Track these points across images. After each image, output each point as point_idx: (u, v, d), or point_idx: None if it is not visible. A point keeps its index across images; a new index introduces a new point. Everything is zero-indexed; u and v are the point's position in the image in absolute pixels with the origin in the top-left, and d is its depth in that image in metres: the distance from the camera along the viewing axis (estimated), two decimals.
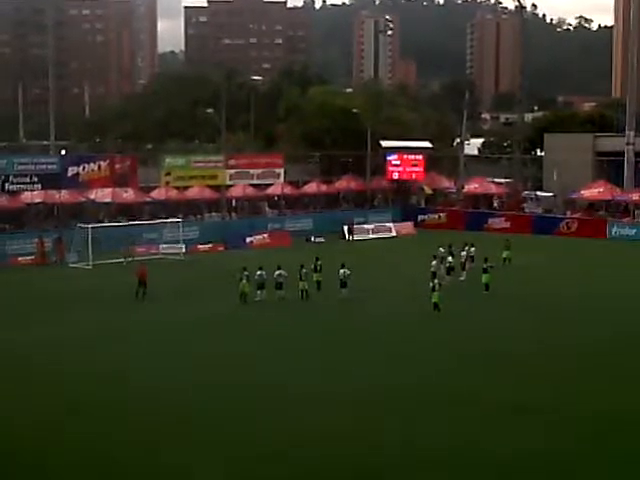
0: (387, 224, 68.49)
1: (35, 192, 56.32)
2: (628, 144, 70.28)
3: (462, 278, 44.16)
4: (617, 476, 19.12)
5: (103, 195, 59.85)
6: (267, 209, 68.64)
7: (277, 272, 38.83)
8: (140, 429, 21.89)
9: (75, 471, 19.32)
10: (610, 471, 19.29)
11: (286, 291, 38.71)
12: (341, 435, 21.26)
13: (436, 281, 37.55)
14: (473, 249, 46.84)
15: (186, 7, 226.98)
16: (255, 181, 67.44)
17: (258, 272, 38.88)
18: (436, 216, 72.24)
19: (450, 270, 43.19)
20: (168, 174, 62.23)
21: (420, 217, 72.11)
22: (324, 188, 72.63)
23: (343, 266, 39.50)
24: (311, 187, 72.03)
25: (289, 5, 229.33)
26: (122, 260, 50.42)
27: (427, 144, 76.35)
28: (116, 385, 25.67)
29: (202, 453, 20.14)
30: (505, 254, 49.09)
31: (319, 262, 41.23)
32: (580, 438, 21.23)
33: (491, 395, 24.57)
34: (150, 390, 25.10)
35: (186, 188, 64.44)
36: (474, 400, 24.04)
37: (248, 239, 59.90)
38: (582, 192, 68.78)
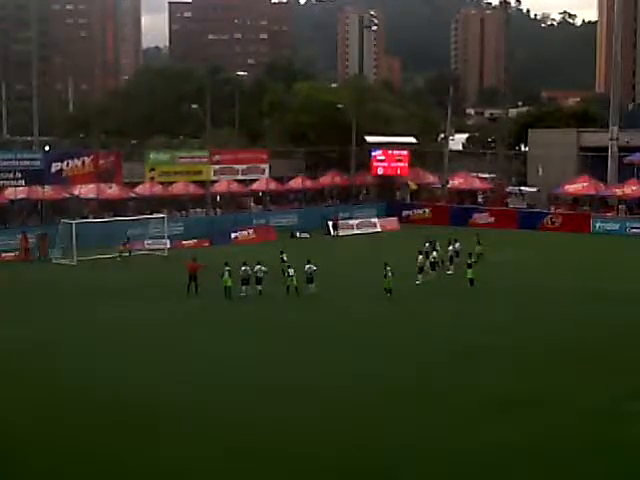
0: (372, 219, 68.64)
1: (19, 188, 56.07)
2: (612, 139, 70.55)
3: (450, 272, 44.32)
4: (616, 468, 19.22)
5: (87, 191, 59.64)
6: (252, 205, 68.57)
7: (257, 267, 39.01)
8: (139, 424, 21.87)
9: (73, 467, 19.30)
10: (609, 463, 19.38)
11: (272, 286, 38.72)
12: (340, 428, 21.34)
13: (388, 268, 38.13)
14: (458, 244, 46.95)
15: (170, 2, 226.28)
16: (240, 177, 67.40)
17: (242, 267, 38.95)
18: (421, 211, 72.38)
19: (434, 265, 43.31)
20: (152, 170, 62.10)
21: (405, 212, 72.23)
22: (309, 183, 72.64)
23: (309, 262, 39.70)
24: (296, 182, 72.02)
25: (274, 0, 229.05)
26: (117, 255, 50.56)
27: (412, 139, 76.43)
28: (112, 382, 25.51)
29: (201, 447, 20.14)
30: (477, 249, 47.17)
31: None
32: (579, 431, 21.33)
33: (487, 389, 24.65)
34: (148, 387, 25.08)
35: (171, 184, 64.30)
36: (471, 393, 24.13)
37: (233, 235, 59.83)
38: (566, 187, 69.05)
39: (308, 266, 39.48)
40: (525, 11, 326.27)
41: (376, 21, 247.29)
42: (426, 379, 25.79)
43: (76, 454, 19.88)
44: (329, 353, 29.06)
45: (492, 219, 68.70)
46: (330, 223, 64.94)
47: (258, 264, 39.16)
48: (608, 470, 19.02)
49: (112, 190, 60.76)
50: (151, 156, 62.77)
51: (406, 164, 74.00)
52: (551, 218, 67.00)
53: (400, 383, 25.34)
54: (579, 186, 68.64)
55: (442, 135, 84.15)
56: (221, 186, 66.83)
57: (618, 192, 67.06)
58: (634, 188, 66.27)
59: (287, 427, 21.61)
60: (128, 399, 23.90)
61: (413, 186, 75.26)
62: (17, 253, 51.31)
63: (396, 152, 73.91)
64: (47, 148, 78.74)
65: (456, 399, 23.71)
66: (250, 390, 24.67)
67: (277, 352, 29.26)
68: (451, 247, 46.01)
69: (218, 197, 67.34)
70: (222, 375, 26.25)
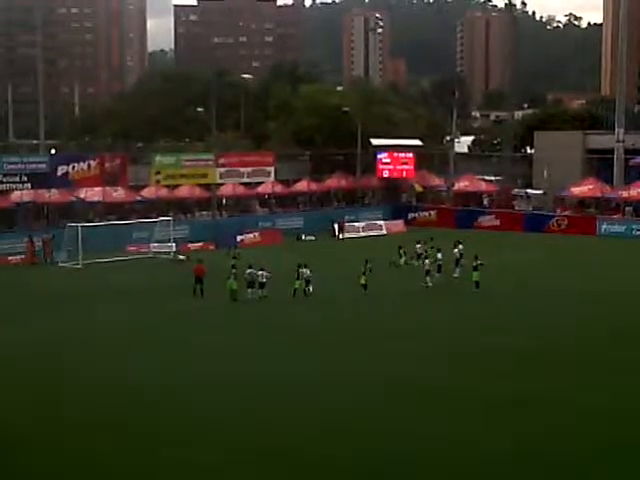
0: (378, 222, 68.64)
1: (25, 191, 56.11)
2: (618, 141, 70.51)
3: (456, 275, 44.32)
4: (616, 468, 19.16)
5: (93, 194, 59.74)
6: (258, 207, 68.61)
7: (259, 272, 38.94)
8: (140, 424, 21.90)
9: (73, 467, 19.29)
10: (610, 465, 19.30)
11: (277, 289, 38.80)
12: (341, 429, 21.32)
13: (369, 265, 39.87)
14: (461, 246, 46.73)
15: (176, 5, 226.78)
16: (245, 180, 67.35)
17: (248, 271, 38.99)
18: (426, 214, 72.36)
19: (440, 267, 43.31)
20: (158, 173, 62.02)
21: (410, 215, 72.22)
22: (315, 186, 72.62)
23: (305, 266, 39.80)
24: (302, 185, 72.02)
25: (279, 3, 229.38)
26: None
27: (417, 142, 76.40)
28: (114, 384, 25.48)
29: (202, 447, 20.14)
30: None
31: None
32: (579, 431, 21.27)
33: (486, 389, 24.61)
34: (149, 387, 25.09)
35: (176, 187, 64.36)
36: (473, 394, 24.10)
37: (239, 238, 59.82)
38: (572, 189, 68.97)
39: (304, 270, 39.63)
40: (530, 13, 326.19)
41: (381, 23, 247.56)
42: (427, 378, 25.75)
43: (76, 454, 19.85)
44: (331, 353, 29.04)
45: (498, 222, 68.65)
46: (336, 226, 64.96)
47: (261, 269, 39.07)
48: (608, 470, 18.95)
49: (118, 193, 60.80)
50: (157, 159, 62.74)
51: (412, 167, 73.97)
52: (557, 220, 66.92)
53: (400, 383, 25.31)
54: (585, 188, 68.56)
55: (448, 137, 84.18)
56: (227, 189, 66.86)
57: (624, 194, 66.97)
58: None
59: (289, 426, 21.62)
60: (128, 394, 23.98)
61: (419, 188, 75.27)
62: (23, 256, 51.40)
63: (402, 155, 73.89)
64: (53, 151, 79.07)
65: (456, 399, 23.69)
66: (249, 386, 24.77)
67: (281, 351, 29.26)
68: (456, 250, 45.89)
69: (224, 200, 67.39)
70: (224, 373, 26.30)
